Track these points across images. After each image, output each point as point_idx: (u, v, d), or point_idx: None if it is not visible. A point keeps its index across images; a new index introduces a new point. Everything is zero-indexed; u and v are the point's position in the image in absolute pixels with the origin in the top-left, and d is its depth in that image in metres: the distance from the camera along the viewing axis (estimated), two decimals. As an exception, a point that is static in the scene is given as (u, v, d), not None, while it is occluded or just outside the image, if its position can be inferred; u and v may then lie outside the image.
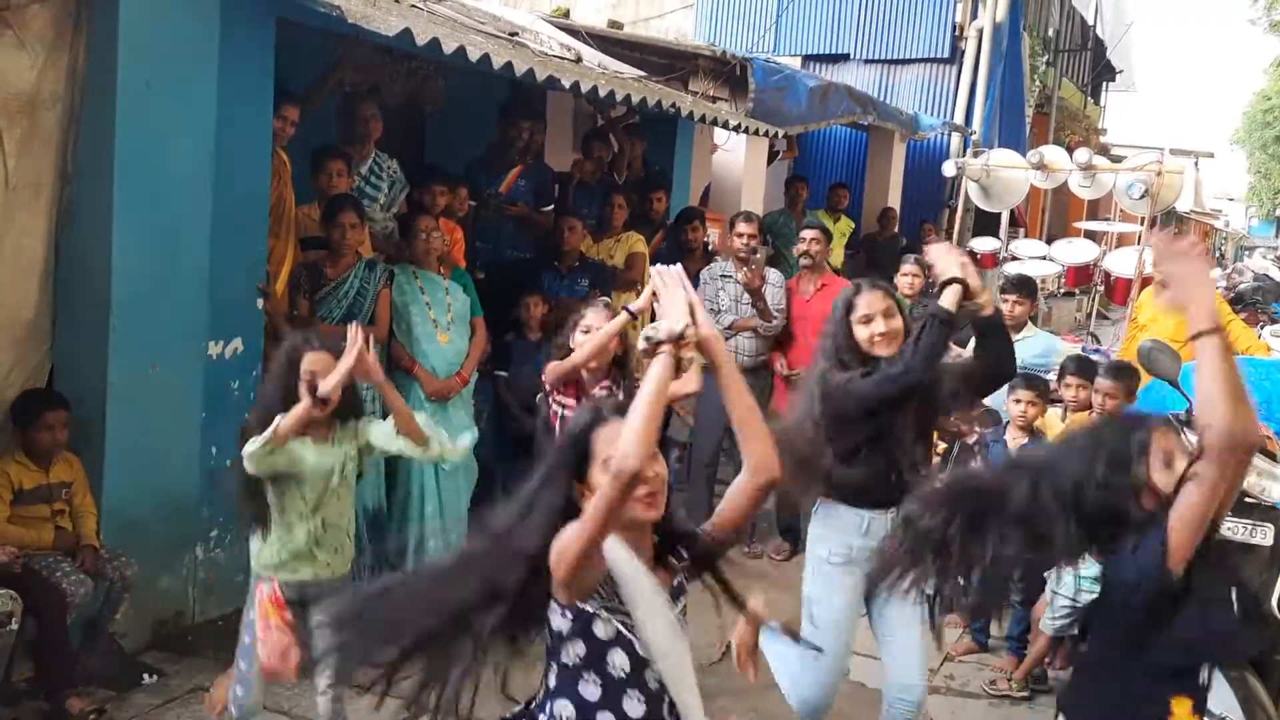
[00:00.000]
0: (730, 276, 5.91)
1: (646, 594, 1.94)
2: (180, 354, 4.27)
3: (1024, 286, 5.86)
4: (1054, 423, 5.12)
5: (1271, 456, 3.54)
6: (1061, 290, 11.59)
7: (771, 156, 9.00)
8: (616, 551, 1.94)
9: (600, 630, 1.97)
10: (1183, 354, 4.14)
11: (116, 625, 4.07)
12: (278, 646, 2.93)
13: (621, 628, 1.96)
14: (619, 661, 1.97)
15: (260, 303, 4.59)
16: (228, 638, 4.42)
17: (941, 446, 5.22)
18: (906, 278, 6.58)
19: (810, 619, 3.27)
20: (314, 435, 3.17)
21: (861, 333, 3.15)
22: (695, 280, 6.87)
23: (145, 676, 4.04)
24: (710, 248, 7.15)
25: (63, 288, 4.09)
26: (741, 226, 5.85)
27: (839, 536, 3.23)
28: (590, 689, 1.99)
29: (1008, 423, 4.92)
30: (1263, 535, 3.39)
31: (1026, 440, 4.80)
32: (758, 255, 5.77)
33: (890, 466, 3.15)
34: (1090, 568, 4.28)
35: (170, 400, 4.25)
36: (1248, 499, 3.46)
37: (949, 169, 9.63)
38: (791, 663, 3.27)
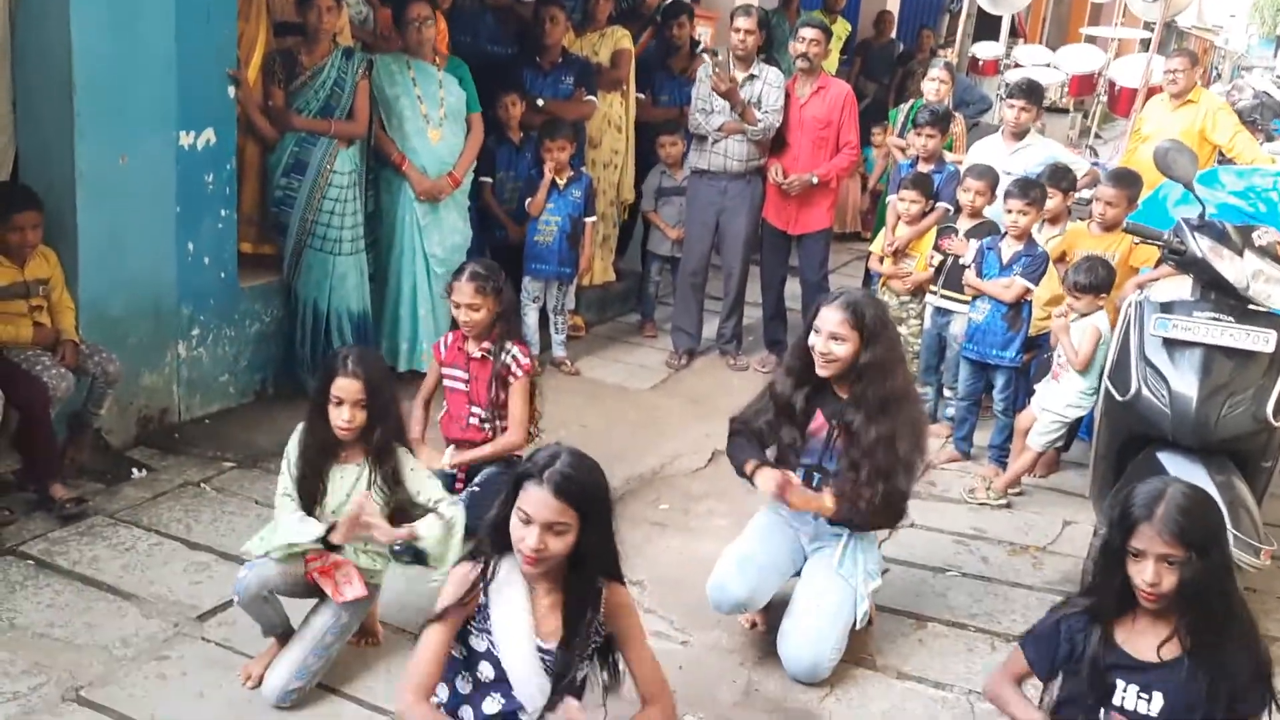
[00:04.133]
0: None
1: (513, 631, 2.20)
2: (150, 144, 4.07)
3: (1031, 92, 5.63)
4: (1081, 230, 5.04)
5: (1280, 263, 3.46)
6: (1064, 98, 11.26)
7: None
8: (503, 585, 2.22)
9: (475, 642, 2.25)
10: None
11: (102, 421, 4.04)
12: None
13: (490, 645, 2.23)
14: (483, 671, 2.24)
15: (231, 91, 4.35)
16: (216, 436, 4.43)
17: (937, 259, 5.14)
18: (934, 83, 6.32)
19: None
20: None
21: (811, 340, 3.10)
22: (679, 77, 6.59)
23: (134, 471, 4.04)
24: (700, 46, 6.83)
25: (21, 70, 3.85)
26: (740, 21, 5.53)
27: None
28: (463, 684, 2.28)
29: (1004, 232, 4.83)
30: (1265, 342, 3.34)
31: (1020, 247, 4.73)
32: (719, 57, 5.48)
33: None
34: (1079, 381, 4.30)
35: (142, 192, 4.08)
36: (1251, 306, 3.41)
37: (953, -30, 9.17)
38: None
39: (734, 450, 3.28)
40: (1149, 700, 2.16)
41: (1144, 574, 2.10)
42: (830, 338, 3.03)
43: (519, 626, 2.19)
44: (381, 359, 3.05)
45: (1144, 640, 2.18)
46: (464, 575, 2.26)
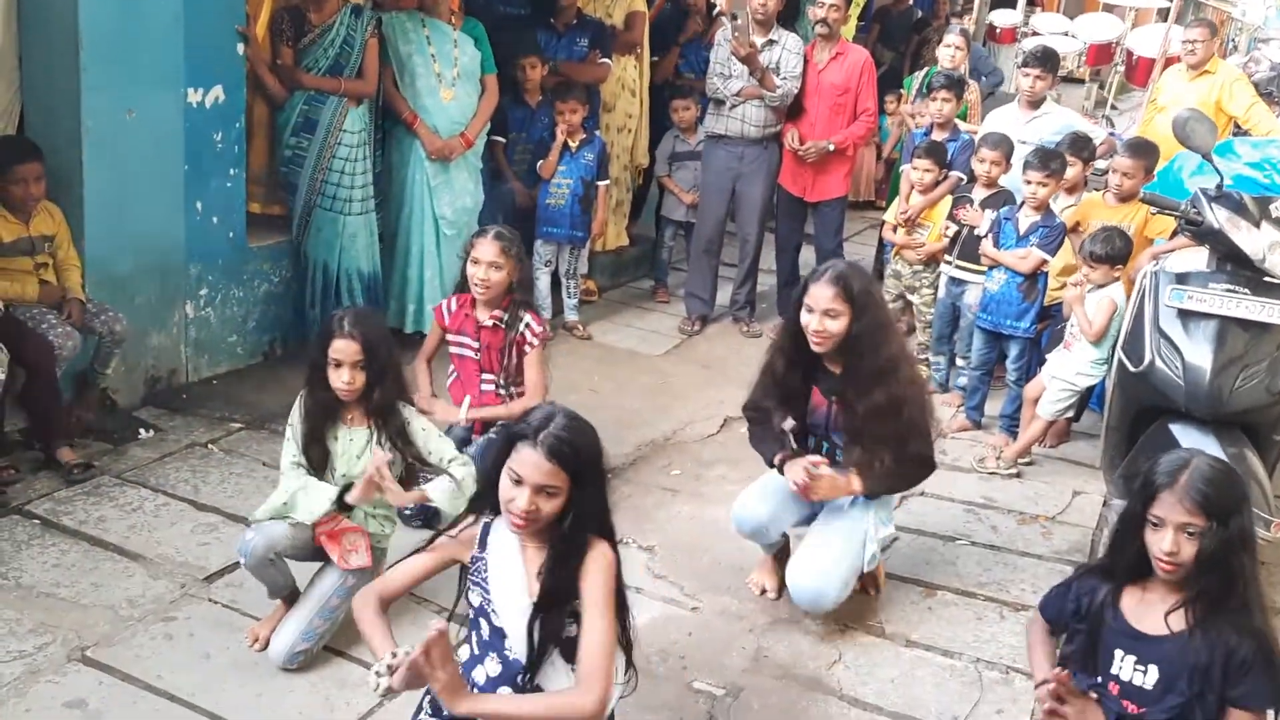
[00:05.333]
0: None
1: (508, 586, 2.13)
2: (157, 100, 4.03)
3: (1047, 60, 5.55)
4: (1096, 201, 4.98)
5: (1295, 237, 3.40)
6: (1081, 67, 11.13)
7: None
8: (499, 541, 2.16)
9: (473, 598, 2.18)
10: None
11: (109, 381, 4.03)
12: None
13: (484, 601, 2.15)
14: (483, 629, 2.17)
15: (240, 48, 4.31)
16: (223, 397, 4.42)
17: (951, 229, 5.08)
18: (949, 50, 6.24)
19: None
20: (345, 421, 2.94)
21: (803, 317, 3.05)
22: (696, 42, 6.51)
23: (141, 431, 4.03)
24: (716, 10, 6.73)
25: (27, 24, 3.81)
26: (758, -15, 5.44)
27: None
28: (465, 649, 2.21)
29: (1022, 202, 4.77)
30: (1278, 314, 3.30)
31: (1038, 218, 4.67)
32: (738, 21, 5.40)
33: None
34: (1090, 351, 4.27)
35: (149, 150, 4.05)
36: (1267, 278, 3.36)
37: (971, -66, 9.03)
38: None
39: (757, 443, 3.30)
40: (1144, 673, 2.14)
41: (1162, 543, 2.08)
42: (825, 315, 2.99)
43: (514, 581, 2.15)
44: (380, 318, 3.01)
45: (1150, 611, 2.16)
46: (467, 528, 2.24)
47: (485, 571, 2.18)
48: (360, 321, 2.85)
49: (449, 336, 3.67)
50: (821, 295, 2.99)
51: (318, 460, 2.90)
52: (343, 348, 2.81)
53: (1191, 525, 2.05)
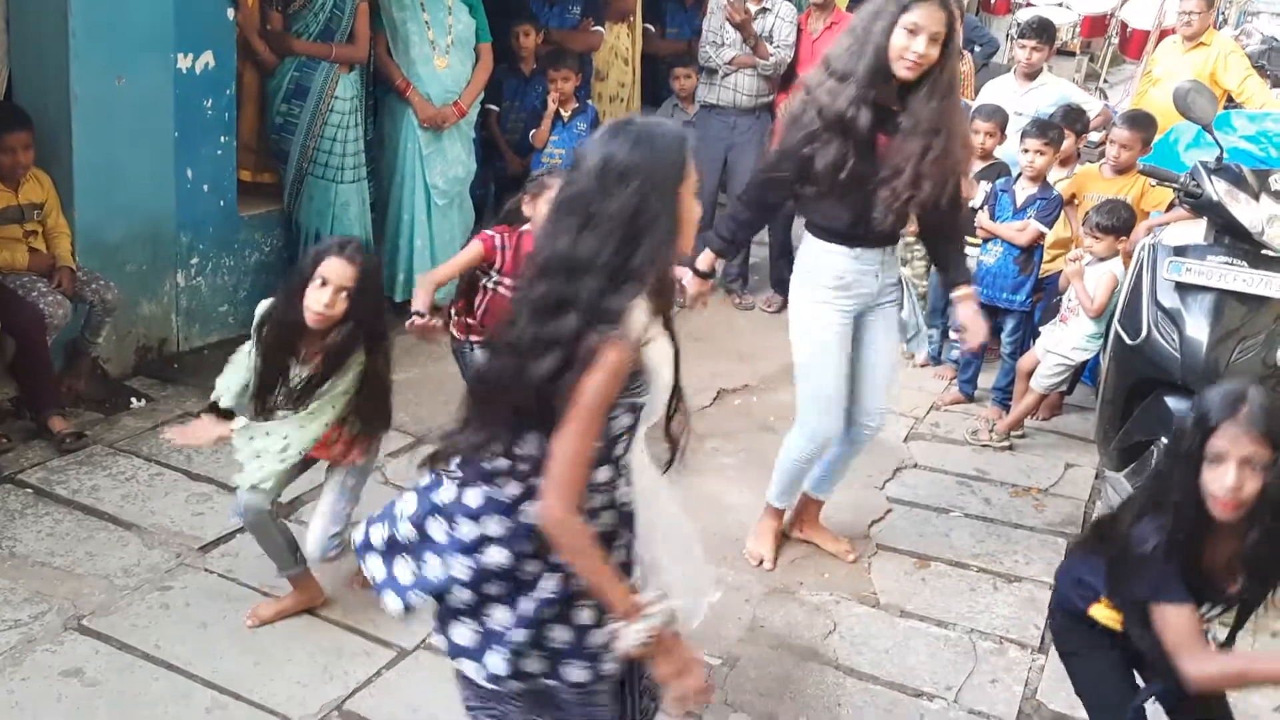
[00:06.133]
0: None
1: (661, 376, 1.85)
2: (147, 66, 3.97)
3: (1044, 31, 5.53)
4: (1093, 173, 4.97)
5: (1294, 208, 3.41)
6: (1074, 38, 11.10)
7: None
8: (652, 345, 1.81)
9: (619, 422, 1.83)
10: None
11: (100, 350, 3.99)
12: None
13: (633, 419, 1.85)
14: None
15: (230, 13, 4.24)
16: (214, 367, 4.36)
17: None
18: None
19: (801, 357, 3.21)
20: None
21: (898, 40, 2.84)
22: (689, 9, 6.45)
23: (133, 400, 4.01)
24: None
25: (13, -12, 3.76)
26: (753, -49, 5.40)
27: (819, 276, 3.13)
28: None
29: (1019, 174, 4.76)
30: (1277, 287, 3.31)
31: (1035, 190, 4.66)
32: None
33: (862, 212, 2.99)
34: (1087, 325, 4.28)
35: (139, 116, 4.00)
36: (1265, 251, 3.37)
37: (966, -97, 8.95)
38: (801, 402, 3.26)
39: (743, 213, 3.22)
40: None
41: (1225, 479, 1.92)
42: (931, 39, 2.83)
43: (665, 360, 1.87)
44: (382, 271, 2.85)
45: (1219, 560, 2.02)
46: (621, 357, 1.71)
47: (646, 382, 1.82)
48: (364, 253, 2.65)
49: (492, 275, 3.34)
50: (933, 17, 2.83)
51: (268, 391, 2.73)
52: (338, 268, 2.56)
53: (1256, 457, 1.91)
